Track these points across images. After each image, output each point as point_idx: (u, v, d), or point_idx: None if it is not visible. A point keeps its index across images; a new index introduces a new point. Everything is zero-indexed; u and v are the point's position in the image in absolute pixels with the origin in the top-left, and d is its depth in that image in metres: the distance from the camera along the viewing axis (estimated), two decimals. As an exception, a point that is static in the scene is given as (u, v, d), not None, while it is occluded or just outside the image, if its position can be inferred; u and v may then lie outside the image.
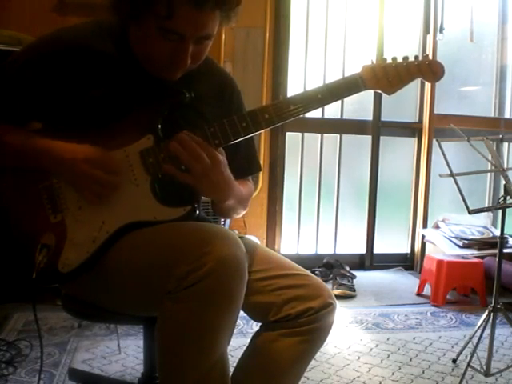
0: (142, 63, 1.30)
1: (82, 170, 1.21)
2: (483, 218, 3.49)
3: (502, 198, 1.98)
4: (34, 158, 1.25)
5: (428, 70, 1.24)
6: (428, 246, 3.57)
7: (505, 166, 2.09)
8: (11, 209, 1.30)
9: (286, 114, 1.24)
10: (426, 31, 3.66)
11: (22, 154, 1.26)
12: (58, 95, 1.27)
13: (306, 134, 3.65)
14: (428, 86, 3.64)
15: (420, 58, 1.24)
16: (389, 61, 1.25)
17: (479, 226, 3.37)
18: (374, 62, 1.24)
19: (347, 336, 2.52)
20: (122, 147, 1.26)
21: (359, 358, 2.28)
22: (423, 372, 2.16)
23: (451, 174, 2.04)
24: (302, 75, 3.62)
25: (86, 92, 1.26)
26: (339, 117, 3.71)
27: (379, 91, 1.26)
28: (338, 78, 1.25)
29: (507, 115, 3.90)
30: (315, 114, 3.60)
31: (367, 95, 3.67)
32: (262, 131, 1.30)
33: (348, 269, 3.41)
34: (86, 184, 1.23)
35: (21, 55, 1.31)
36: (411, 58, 1.24)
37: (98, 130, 1.27)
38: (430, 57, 1.28)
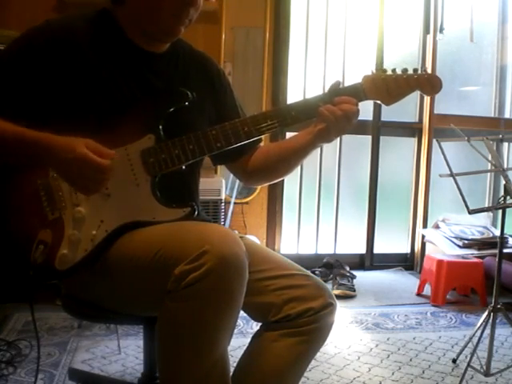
0: (139, 37, 1.31)
1: (80, 153, 1.16)
2: (483, 218, 3.48)
3: (502, 198, 1.99)
4: (31, 146, 1.20)
5: (427, 83, 1.26)
6: (428, 246, 3.57)
7: (505, 166, 2.09)
8: (9, 204, 1.29)
9: (288, 121, 1.27)
10: (426, 31, 3.65)
11: (19, 142, 1.20)
12: (55, 87, 1.25)
13: (305, 133, 3.64)
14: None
15: (419, 72, 1.25)
16: (389, 72, 1.27)
17: (479, 225, 3.36)
18: (374, 72, 1.27)
19: (347, 336, 2.52)
20: (124, 145, 1.26)
21: (359, 358, 2.28)
22: (423, 372, 2.16)
23: (451, 174, 2.04)
24: (302, 75, 3.61)
25: (82, 81, 1.25)
26: (339, 117, 3.70)
27: (378, 101, 1.29)
28: (341, 87, 1.29)
29: (507, 115, 3.90)
30: (315, 114, 3.59)
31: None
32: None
33: (348, 269, 3.41)
34: (80, 169, 1.18)
35: (12, 48, 1.28)
36: (410, 71, 1.26)
37: (99, 126, 1.25)
38: (429, 70, 1.29)
